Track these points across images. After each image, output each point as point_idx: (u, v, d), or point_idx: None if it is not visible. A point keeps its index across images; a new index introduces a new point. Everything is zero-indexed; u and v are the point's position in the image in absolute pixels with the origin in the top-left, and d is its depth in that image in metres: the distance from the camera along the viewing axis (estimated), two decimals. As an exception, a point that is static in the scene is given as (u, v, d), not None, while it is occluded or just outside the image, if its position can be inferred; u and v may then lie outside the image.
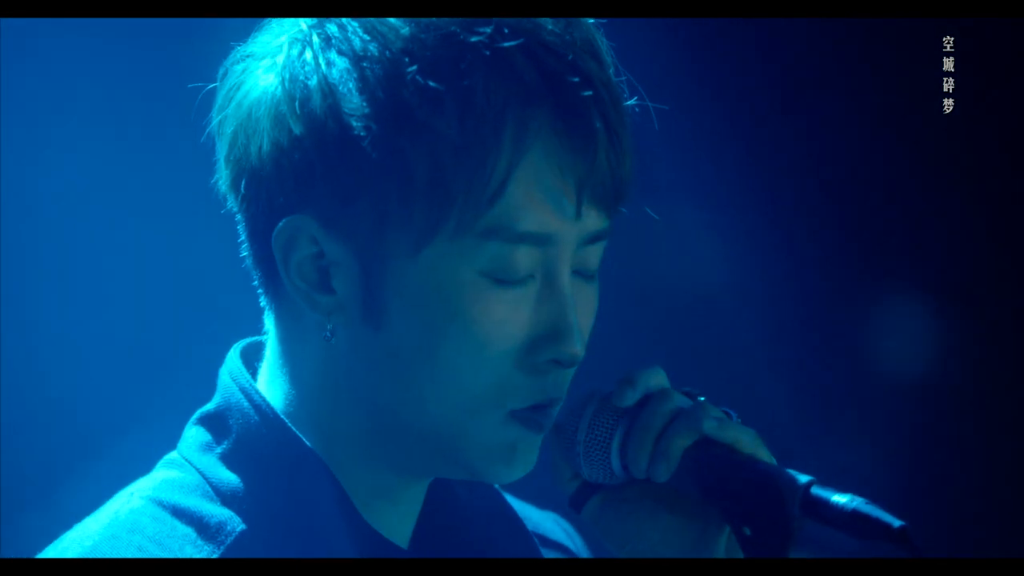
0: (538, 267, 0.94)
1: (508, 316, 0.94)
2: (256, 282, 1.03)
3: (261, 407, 0.99)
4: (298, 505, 0.97)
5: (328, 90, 0.93)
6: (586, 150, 0.92)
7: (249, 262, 1.02)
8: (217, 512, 0.95)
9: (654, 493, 1.03)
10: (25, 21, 1.90)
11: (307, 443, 0.97)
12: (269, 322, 1.03)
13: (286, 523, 0.96)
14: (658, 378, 1.03)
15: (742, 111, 2.86)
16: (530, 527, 1.14)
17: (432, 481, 1.06)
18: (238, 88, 0.99)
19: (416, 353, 0.94)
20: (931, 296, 2.97)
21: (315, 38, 0.95)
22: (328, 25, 0.95)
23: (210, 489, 0.96)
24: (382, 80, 0.91)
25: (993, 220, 2.85)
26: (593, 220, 0.96)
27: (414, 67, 0.90)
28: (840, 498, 0.93)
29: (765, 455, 0.99)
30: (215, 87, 1.01)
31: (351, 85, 0.92)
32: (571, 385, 1.00)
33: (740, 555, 0.99)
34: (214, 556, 0.92)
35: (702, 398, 1.02)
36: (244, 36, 1.00)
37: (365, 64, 0.92)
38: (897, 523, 0.90)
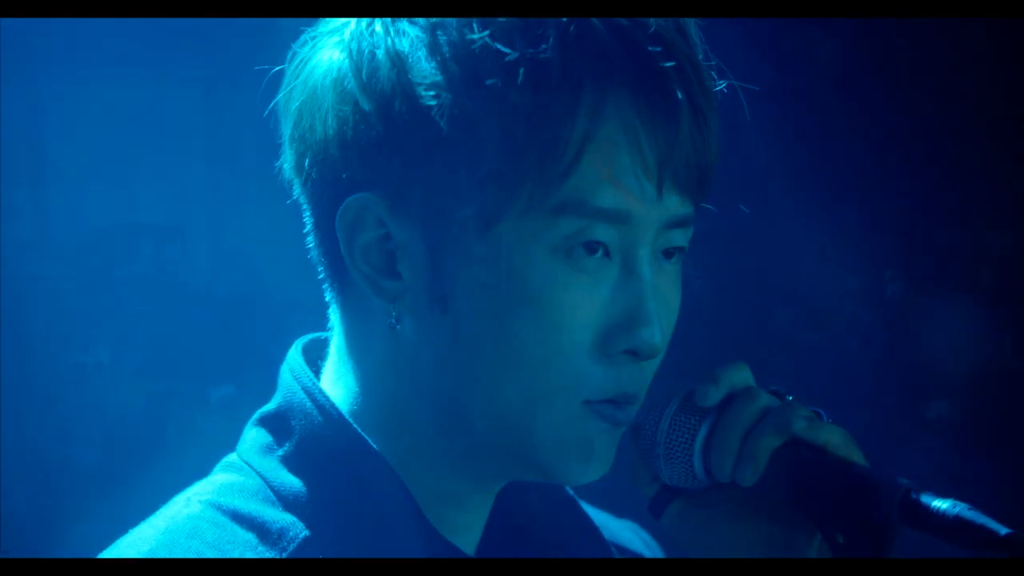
0: (616, 249, 0.88)
1: (583, 300, 0.88)
2: (321, 273, 0.98)
3: (325, 407, 0.93)
4: (363, 511, 0.91)
5: (397, 59, 0.87)
6: (668, 125, 0.86)
7: (313, 252, 0.97)
8: (279, 517, 0.89)
9: (739, 498, 0.96)
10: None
11: (373, 445, 0.92)
12: (334, 316, 0.98)
13: (351, 529, 0.90)
14: (743, 375, 0.96)
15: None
16: (607, 536, 1.08)
17: (504, 487, 1.00)
18: (304, 64, 0.94)
19: (485, 339, 0.89)
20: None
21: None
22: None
23: (271, 493, 0.91)
24: (454, 47, 0.86)
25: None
26: (676, 203, 0.89)
27: (486, 32, 0.85)
28: (941, 504, 0.88)
29: (858, 457, 0.93)
30: (282, 68, 0.98)
31: (420, 53, 0.87)
32: (654, 386, 0.95)
33: (831, 564, 0.94)
34: None
35: (790, 397, 0.95)
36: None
37: (438, 32, 0.87)
38: (1004, 531, 0.85)
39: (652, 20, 0.86)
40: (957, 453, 2.86)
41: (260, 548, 0.88)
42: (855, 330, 3.01)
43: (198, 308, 8.27)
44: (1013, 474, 2.75)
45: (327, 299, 0.99)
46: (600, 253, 0.88)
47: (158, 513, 0.92)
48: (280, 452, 0.93)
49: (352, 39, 0.90)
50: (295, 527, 0.89)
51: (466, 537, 0.98)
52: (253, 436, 0.96)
